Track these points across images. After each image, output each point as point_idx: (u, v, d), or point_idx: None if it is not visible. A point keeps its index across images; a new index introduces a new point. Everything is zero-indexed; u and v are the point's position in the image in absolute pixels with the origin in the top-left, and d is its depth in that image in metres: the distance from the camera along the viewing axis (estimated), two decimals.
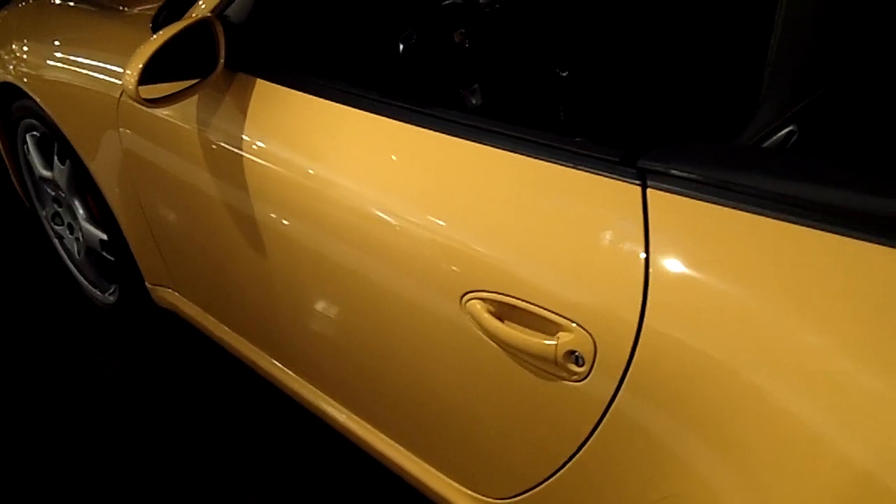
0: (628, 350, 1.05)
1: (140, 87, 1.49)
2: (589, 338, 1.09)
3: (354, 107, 1.43)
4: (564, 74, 1.98)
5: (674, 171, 1.07)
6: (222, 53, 1.60)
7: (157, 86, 1.55)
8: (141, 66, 1.48)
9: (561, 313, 1.11)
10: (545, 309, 1.13)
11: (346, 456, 1.91)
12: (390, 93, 1.42)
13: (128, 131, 1.90)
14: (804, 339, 0.93)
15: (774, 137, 1.19)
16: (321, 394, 1.75)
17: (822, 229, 0.94)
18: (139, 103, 1.51)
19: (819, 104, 1.21)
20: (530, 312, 1.15)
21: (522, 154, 1.19)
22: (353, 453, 1.76)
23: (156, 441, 2.12)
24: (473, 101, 1.83)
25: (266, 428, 2.16)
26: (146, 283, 2.26)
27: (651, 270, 1.04)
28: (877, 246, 0.90)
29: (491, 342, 1.21)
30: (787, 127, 1.20)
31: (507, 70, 1.88)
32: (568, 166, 1.15)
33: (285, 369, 1.85)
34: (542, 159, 1.17)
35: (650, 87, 1.80)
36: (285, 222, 1.53)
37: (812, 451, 0.90)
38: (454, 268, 1.23)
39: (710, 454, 1.01)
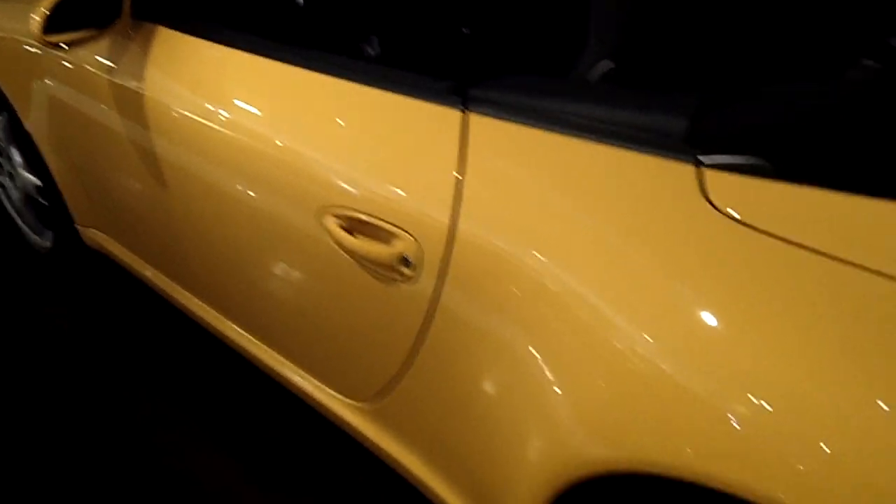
0: (447, 251, 1.22)
1: (51, 35, 1.65)
2: (416, 243, 1.26)
3: (243, 50, 1.59)
4: (466, 31, 2.12)
5: (494, 98, 1.23)
6: (127, 2, 1.75)
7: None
8: (45, 10, 1.62)
9: (395, 223, 1.28)
10: (382, 220, 1.29)
11: (272, 391, 2.05)
12: (287, 41, 1.58)
13: (52, 81, 2.05)
14: (591, 232, 1.10)
15: (596, 71, 1.35)
16: (220, 316, 1.91)
17: (610, 144, 1.10)
18: (44, 45, 1.66)
19: (634, 44, 1.37)
20: (371, 224, 1.31)
21: (369, 86, 1.36)
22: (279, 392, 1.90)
23: (97, 387, 2.26)
24: (371, 52, 1.98)
25: (195, 364, 2.31)
26: (77, 226, 2.41)
27: (465, 183, 1.20)
28: (649, 157, 1.06)
29: (342, 253, 1.37)
30: (606, 63, 1.36)
31: (407, 23, 2.03)
32: (405, 96, 1.31)
33: (191, 296, 2.00)
34: (385, 90, 1.34)
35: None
36: (182, 157, 1.69)
37: (604, 332, 1.07)
38: (312, 187, 1.39)
39: (524, 339, 1.18)
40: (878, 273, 0.88)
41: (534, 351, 1.16)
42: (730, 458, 0.90)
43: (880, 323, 0.87)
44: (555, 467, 1.11)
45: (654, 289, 1.03)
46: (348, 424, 1.63)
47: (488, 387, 1.25)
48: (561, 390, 1.12)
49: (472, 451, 1.33)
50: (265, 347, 1.82)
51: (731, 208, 0.99)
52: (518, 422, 1.19)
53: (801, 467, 0.85)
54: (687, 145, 1.04)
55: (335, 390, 1.65)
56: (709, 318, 0.97)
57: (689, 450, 0.95)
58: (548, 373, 1.14)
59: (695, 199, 1.02)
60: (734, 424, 0.90)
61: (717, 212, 1.00)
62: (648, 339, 1.02)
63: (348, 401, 1.62)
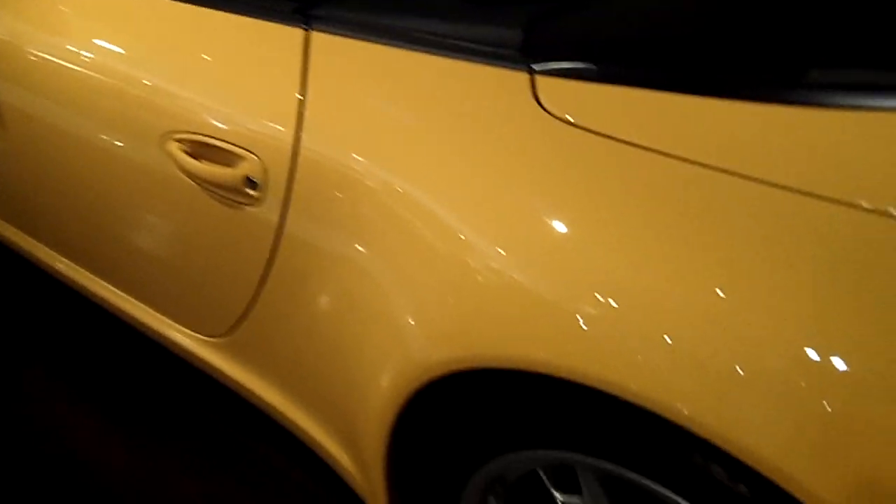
0: (291, 170, 1.21)
1: None
2: (260, 164, 1.24)
3: None
4: None
5: (336, 16, 1.22)
6: None
7: None
8: None
9: (238, 144, 1.26)
10: (226, 142, 1.27)
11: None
12: None
13: None
14: (434, 146, 1.11)
15: None
16: (71, 263, 1.84)
17: (450, 57, 1.11)
18: None
19: None
20: (215, 147, 1.29)
21: (211, 8, 1.33)
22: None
23: None
24: None
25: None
26: None
27: (308, 101, 1.20)
28: (487, 68, 1.08)
29: (188, 180, 1.34)
30: None
31: None
32: (245, 16, 1.29)
33: (39, 245, 1.92)
34: (227, 12, 1.31)
35: None
36: (15, 95, 1.61)
37: (448, 243, 1.08)
38: (153, 115, 1.36)
39: (369, 256, 1.18)
40: (712, 167, 0.92)
41: (378, 266, 1.17)
42: (578, 353, 0.93)
43: (715, 215, 0.90)
44: (402, 377, 1.12)
45: (495, 197, 1.05)
46: (204, 361, 1.60)
47: (337, 308, 1.26)
48: (407, 301, 1.13)
49: (325, 375, 1.34)
50: (117, 290, 1.76)
51: (565, 113, 1.02)
52: (367, 339, 1.20)
53: (643, 357, 0.89)
54: (521, 55, 1.07)
55: (189, 328, 1.62)
56: (551, 223, 1.00)
57: (537, 347, 0.97)
58: (393, 287, 1.16)
59: (530, 106, 1.05)
60: (581, 323, 0.92)
61: (551, 117, 1.03)
62: (492, 247, 1.04)
63: (202, 337, 1.60)
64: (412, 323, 1.12)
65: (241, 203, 1.30)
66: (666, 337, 0.87)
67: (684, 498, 0.94)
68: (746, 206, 0.90)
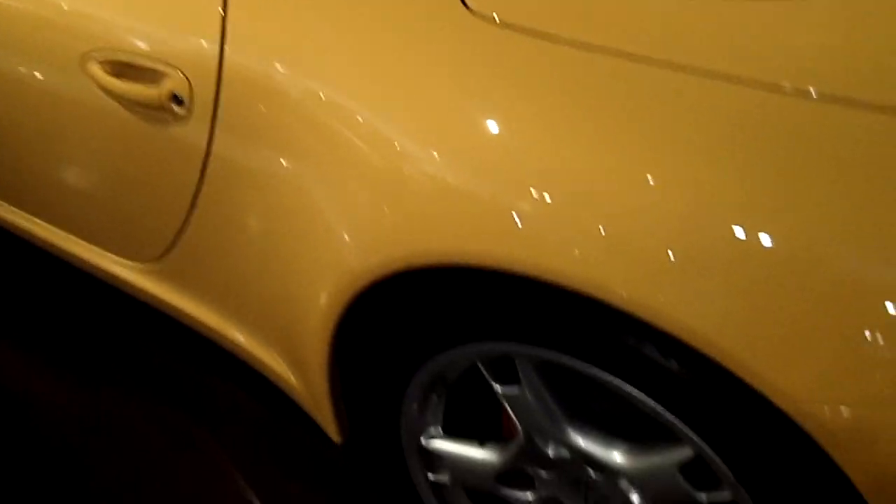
0: (217, 84, 1.19)
1: None
2: (185, 79, 1.22)
3: None
4: None
5: None
6: None
7: None
8: None
9: (162, 60, 1.23)
10: (149, 59, 1.25)
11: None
12: None
13: None
14: (358, 52, 1.11)
15: None
16: (1, 202, 1.79)
17: None
18: None
19: None
20: (138, 65, 1.26)
21: None
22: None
23: None
24: None
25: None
26: None
27: (230, 13, 1.18)
28: None
29: (112, 101, 1.31)
30: None
31: None
32: None
33: None
34: None
35: None
36: None
37: (372, 151, 1.08)
38: (72, 36, 1.32)
39: (298, 169, 1.18)
40: (638, 58, 0.94)
41: (309, 180, 1.17)
42: (516, 244, 0.95)
43: (642, 104, 0.93)
44: (339, 287, 1.14)
45: (424, 100, 1.06)
46: (139, 289, 1.59)
47: (270, 224, 1.26)
48: (340, 212, 1.14)
49: (263, 293, 1.34)
50: (46, 224, 1.72)
51: (491, 11, 1.03)
52: (302, 253, 1.21)
53: (580, 247, 0.91)
54: None
55: (122, 256, 1.60)
56: (483, 123, 1.01)
57: (475, 241, 0.99)
58: (325, 199, 1.16)
59: (455, 5, 1.05)
60: (518, 217, 0.94)
61: (477, 16, 1.04)
62: (426, 151, 1.05)
63: (136, 265, 1.58)
64: (346, 233, 1.14)
65: (167, 121, 1.28)
66: (600, 227, 0.90)
67: (618, 377, 0.98)
68: (672, 95, 0.92)
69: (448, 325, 1.10)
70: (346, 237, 1.14)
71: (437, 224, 1.03)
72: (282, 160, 1.20)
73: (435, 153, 1.04)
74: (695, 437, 0.95)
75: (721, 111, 0.90)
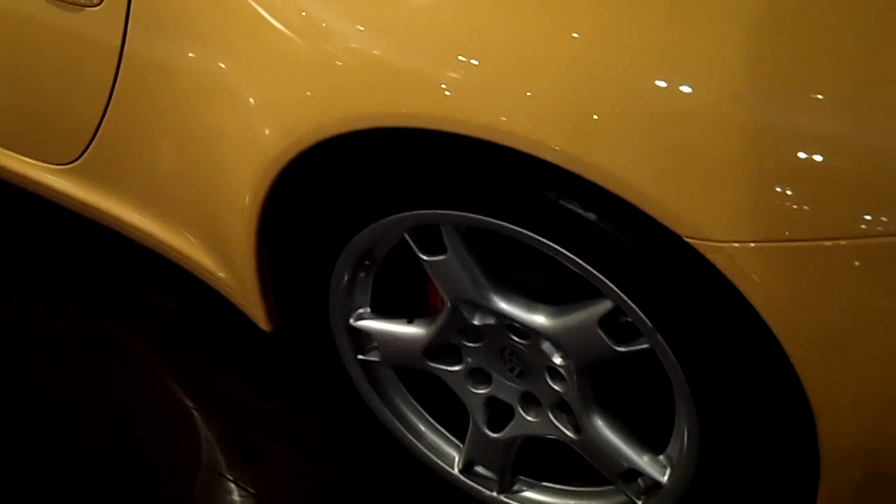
0: None
1: None
2: None
3: None
4: None
5: None
6: None
7: None
8: None
9: None
10: None
11: None
12: None
13: None
14: None
15: None
16: None
17: None
18: None
19: None
20: None
21: None
22: None
23: None
24: None
25: None
26: None
27: None
28: None
29: None
30: None
31: None
32: None
33: None
34: None
35: None
36: None
37: (291, 33, 1.08)
38: None
39: (218, 58, 1.17)
40: None
41: (228, 65, 1.17)
42: (446, 104, 0.97)
43: None
44: (261, 168, 1.14)
45: None
46: (57, 191, 1.56)
47: (190, 116, 1.25)
48: (259, 94, 1.14)
49: (183, 185, 1.34)
50: None
51: None
52: (222, 142, 1.21)
53: (510, 108, 0.93)
54: None
55: (38, 158, 1.57)
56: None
57: (405, 104, 1.00)
58: (243, 83, 1.16)
59: None
60: (446, 85, 0.96)
61: None
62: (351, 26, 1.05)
63: (53, 166, 1.55)
64: (265, 117, 1.14)
65: (82, 15, 1.25)
66: (529, 85, 0.92)
67: (540, 234, 1.01)
68: None
69: (371, 198, 1.12)
70: (264, 122, 1.14)
71: (361, 92, 1.03)
72: (198, 50, 1.19)
73: (361, 27, 1.04)
74: (614, 288, 1.00)
75: None
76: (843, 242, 0.85)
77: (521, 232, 1.03)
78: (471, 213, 1.05)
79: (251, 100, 1.16)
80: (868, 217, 0.83)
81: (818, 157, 0.83)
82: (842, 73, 0.84)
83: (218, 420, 1.54)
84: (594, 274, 1.00)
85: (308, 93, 1.09)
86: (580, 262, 1.00)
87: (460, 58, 0.96)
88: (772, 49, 0.86)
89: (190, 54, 1.20)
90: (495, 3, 0.96)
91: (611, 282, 1.00)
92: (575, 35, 0.91)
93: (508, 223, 1.03)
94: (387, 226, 1.13)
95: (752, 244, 0.87)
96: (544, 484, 1.32)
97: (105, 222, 1.55)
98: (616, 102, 0.89)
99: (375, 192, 1.11)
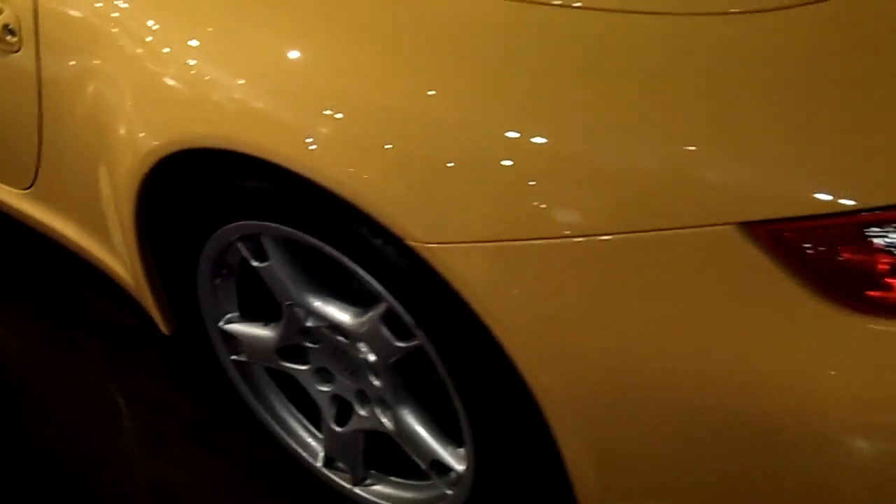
0: (33, 13, 1.40)
1: None
2: (12, 11, 1.43)
3: None
4: None
5: None
6: None
7: None
8: None
9: None
10: None
11: None
12: None
13: None
14: None
15: None
16: None
17: None
18: None
19: None
20: None
21: None
22: None
23: None
24: None
25: None
26: None
27: None
28: None
29: None
30: None
31: None
32: None
33: None
34: None
35: None
36: None
37: (165, 63, 1.28)
38: None
39: (110, 88, 1.37)
40: None
41: (116, 94, 1.37)
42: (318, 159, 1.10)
43: (420, 24, 1.09)
44: (137, 160, 1.31)
45: (230, 30, 1.23)
46: (25, 215, 1.79)
47: (92, 135, 1.44)
48: (134, 113, 1.33)
49: (98, 198, 1.53)
50: None
51: None
52: (114, 161, 1.40)
53: (366, 162, 1.06)
54: None
55: (9, 185, 1.81)
56: (281, 49, 1.17)
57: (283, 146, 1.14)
58: (129, 108, 1.35)
59: None
60: (310, 139, 1.09)
61: None
62: (220, 71, 1.23)
63: (15, 190, 1.79)
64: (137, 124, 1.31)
65: (6, 51, 1.49)
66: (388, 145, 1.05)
67: (339, 250, 1.16)
68: (447, 12, 1.09)
69: (211, 208, 1.29)
70: (140, 127, 1.31)
71: (205, 114, 1.21)
72: (95, 82, 1.39)
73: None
74: (380, 289, 1.13)
75: (483, 24, 1.06)
76: (552, 241, 0.96)
77: (317, 243, 1.18)
78: (285, 226, 1.21)
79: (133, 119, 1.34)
80: (567, 218, 0.95)
81: (510, 163, 0.95)
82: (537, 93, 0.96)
83: (134, 412, 1.73)
84: (362, 275, 1.14)
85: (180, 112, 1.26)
86: (354, 267, 1.15)
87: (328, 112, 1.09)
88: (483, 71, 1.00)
89: (90, 82, 1.39)
90: (361, 64, 1.10)
91: (378, 283, 1.14)
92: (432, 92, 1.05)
93: (319, 240, 1.18)
94: (225, 234, 1.30)
95: (461, 245, 1.00)
96: (391, 478, 1.44)
97: (58, 240, 1.77)
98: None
99: (214, 204, 1.29)
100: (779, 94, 0.93)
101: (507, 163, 0.98)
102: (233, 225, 1.28)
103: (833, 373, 0.91)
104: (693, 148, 0.92)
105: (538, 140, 0.96)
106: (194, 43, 1.24)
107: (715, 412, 0.96)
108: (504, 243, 0.99)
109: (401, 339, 1.19)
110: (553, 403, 1.04)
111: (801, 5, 0.96)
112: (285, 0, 1.22)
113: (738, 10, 0.97)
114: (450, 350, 1.12)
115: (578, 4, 1.04)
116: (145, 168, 1.30)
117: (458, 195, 1.01)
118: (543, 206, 0.96)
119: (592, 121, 0.96)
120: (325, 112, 1.09)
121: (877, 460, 0.92)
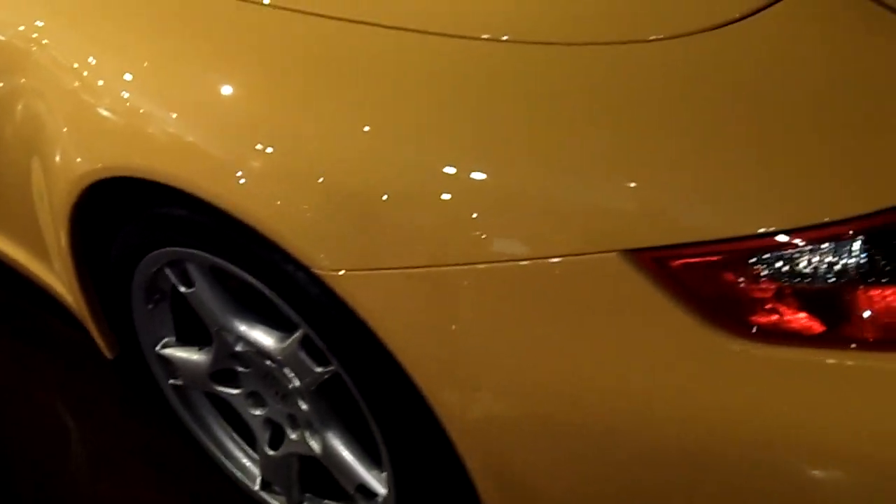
0: None
1: None
2: None
3: None
4: None
5: None
6: None
7: None
8: None
9: None
10: None
11: None
12: None
13: None
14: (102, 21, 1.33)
15: None
16: None
17: None
18: None
19: None
20: None
21: None
22: None
23: None
24: None
25: None
26: None
27: None
28: None
29: None
30: None
31: None
32: None
33: None
34: None
35: None
36: None
37: (101, 93, 1.30)
38: None
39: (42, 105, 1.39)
40: (354, 21, 1.10)
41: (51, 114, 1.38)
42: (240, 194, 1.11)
43: (347, 63, 1.11)
44: (68, 186, 1.33)
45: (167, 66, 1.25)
46: None
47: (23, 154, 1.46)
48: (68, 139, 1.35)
49: (38, 221, 1.54)
50: None
51: None
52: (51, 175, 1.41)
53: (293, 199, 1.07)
54: None
55: None
56: (214, 83, 1.19)
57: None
58: (57, 127, 1.36)
59: None
60: (240, 174, 1.10)
61: None
62: (158, 108, 1.25)
63: None
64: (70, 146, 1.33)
65: None
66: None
67: (255, 277, 1.18)
68: (379, 52, 1.10)
69: (139, 235, 1.31)
70: (76, 153, 1.32)
71: (137, 145, 1.22)
72: (26, 103, 1.41)
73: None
74: (298, 319, 1.15)
75: (423, 62, 1.07)
76: (450, 268, 0.98)
77: (226, 264, 1.20)
78: (199, 251, 1.23)
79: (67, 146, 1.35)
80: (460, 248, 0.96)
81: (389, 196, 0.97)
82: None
83: (86, 433, 1.75)
84: (278, 302, 1.16)
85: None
86: (271, 294, 1.16)
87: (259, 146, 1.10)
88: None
89: (27, 110, 1.41)
90: (289, 100, 1.12)
91: (292, 310, 1.16)
92: (367, 128, 1.06)
93: (236, 267, 1.20)
94: (153, 260, 1.32)
95: (362, 272, 1.02)
96: (325, 501, 1.45)
97: (10, 266, 1.79)
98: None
99: (140, 230, 1.30)
100: (663, 124, 0.95)
101: (386, 197, 0.99)
102: (158, 251, 1.30)
103: (716, 397, 0.92)
104: (580, 175, 0.94)
105: (448, 170, 0.98)
106: (128, 77, 1.25)
107: (606, 435, 0.97)
108: (402, 270, 1.00)
109: (319, 365, 1.21)
110: (456, 426, 1.05)
111: (676, 37, 0.98)
112: (219, 35, 1.23)
113: (618, 41, 0.99)
114: (361, 375, 1.14)
115: (506, 38, 1.05)
116: (76, 191, 1.31)
117: (362, 226, 1.03)
118: (425, 228, 0.98)
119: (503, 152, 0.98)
120: (256, 147, 1.10)
121: (755, 483, 0.93)
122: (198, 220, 1.19)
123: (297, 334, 1.20)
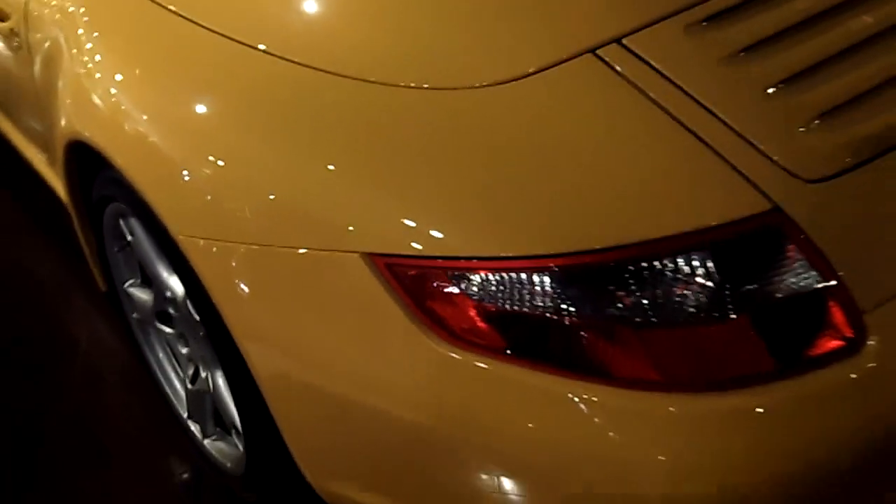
0: (24, 19, 1.79)
1: None
2: (15, 19, 1.83)
3: None
4: None
5: None
6: None
7: None
8: None
9: (7, 4, 1.85)
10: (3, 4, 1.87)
11: None
12: None
13: None
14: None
15: None
16: None
17: None
18: None
19: None
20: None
21: None
22: None
23: None
24: None
25: None
26: None
27: None
28: None
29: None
30: None
31: None
32: None
33: None
34: None
35: None
36: None
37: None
38: None
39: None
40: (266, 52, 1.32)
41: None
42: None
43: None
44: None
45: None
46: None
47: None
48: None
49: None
50: None
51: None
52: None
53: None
54: None
55: None
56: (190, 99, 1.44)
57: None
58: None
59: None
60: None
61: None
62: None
63: None
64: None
65: (17, 47, 1.89)
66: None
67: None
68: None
69: (100, 189, 1.62)
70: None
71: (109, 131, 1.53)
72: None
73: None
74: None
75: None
76: (250, 246, 1.22)
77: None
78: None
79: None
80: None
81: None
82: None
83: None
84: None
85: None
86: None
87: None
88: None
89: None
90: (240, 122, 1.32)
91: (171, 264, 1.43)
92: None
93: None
94: (111, 212, 1.63)
95: (197, 238, 1.27)
96: (228, 437, 1.72)
97: None
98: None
99: (100, 185, 1.61)
100: (419, 159, 1.14)
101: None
102: (112, 205, 1.60)
103: (423, 388, 1.11)
104: (342, 187, 1.15)
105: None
106: (119, 77, 1.54)
107: (344, 407, 1.18)
108: (222, 243, 1.24)
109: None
110: (267, 392, 1.28)
111: (442, 89, 1.17)
112: (207, 59, 1.42)
113: (396, 84, 1.19)
114: (211, 328, 1.38)
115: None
116: (64, 142, 1.62)
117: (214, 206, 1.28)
118: (240, 213, 1.21)
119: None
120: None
121: (445, 458, 1.12)
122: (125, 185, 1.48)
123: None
